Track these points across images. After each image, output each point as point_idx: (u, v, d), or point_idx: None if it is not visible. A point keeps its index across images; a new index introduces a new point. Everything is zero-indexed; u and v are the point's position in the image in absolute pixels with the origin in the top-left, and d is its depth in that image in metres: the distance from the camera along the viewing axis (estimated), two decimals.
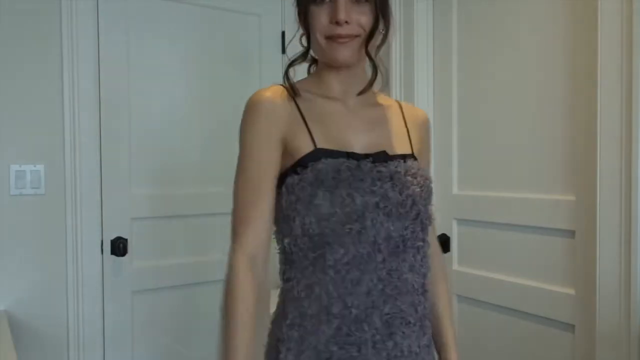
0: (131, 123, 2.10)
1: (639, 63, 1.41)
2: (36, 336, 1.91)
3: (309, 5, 0.98)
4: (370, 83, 1.03)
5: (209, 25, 2.28)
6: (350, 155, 0.97)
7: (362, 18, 0.97)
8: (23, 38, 1.89)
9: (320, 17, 0.97)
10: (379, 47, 1.02)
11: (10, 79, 1.87)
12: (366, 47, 0.99)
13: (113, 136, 2.06)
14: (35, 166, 1.91)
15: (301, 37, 1.03)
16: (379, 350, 0.95)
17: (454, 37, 2.04)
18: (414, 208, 0.97)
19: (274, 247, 1.02)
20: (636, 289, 1.43)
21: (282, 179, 0.98)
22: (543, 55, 1.73)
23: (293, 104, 1.01)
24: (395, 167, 0.98)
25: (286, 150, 0.99)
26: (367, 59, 1.01)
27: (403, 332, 0.96)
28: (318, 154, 0.96)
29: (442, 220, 2.01)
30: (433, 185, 1.06)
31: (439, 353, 1.13)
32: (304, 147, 0.97)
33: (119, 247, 2.04)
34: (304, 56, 1.04)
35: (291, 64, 1.04)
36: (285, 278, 1.00)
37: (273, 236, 1.02)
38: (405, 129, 1.09)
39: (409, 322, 0.97)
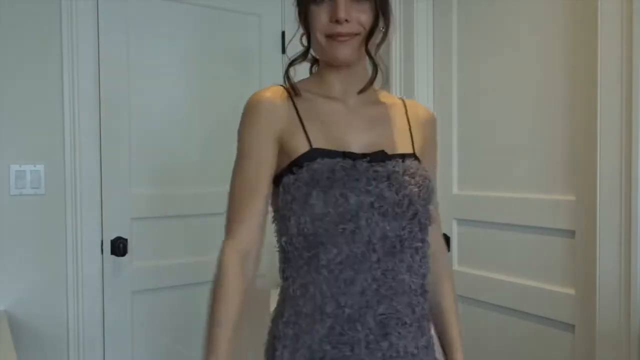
0: (131, 123, 2.10)
1: (639, 63, 1.41)
2: (36, 336, 1.91)
3: (309, 4, 0.98)
4: (371, 81, 1.03)
5: (209, 25, 2.28)
6: (347, 155, 0.97)
7: (362, 16, 0.97)
8: (23, 38, 1.89)
9: (320, 16, 0.97)
10: (378, 46, 1.02)
11: (10, 79, 1.87)
12: (366, 45, 0.99)
13: (113, 136, 2.06)
14: (35, 166, 1.91)
15: (301, 36, 1.04)
16: (373, 350, 0.94)
17: (454, 37, 2.05)
18: (411, 208, 0.97)
19: (274, 246, 1.03)
20: (636, 289, 1.43)
21: (279, 178, 0.99)
22: (543, 55, 1.73)
23: (291, 104, 1.02)
24: (393, 167, 0.98)
25: (283, 150, 1.00)
26: (367, 57, 1.01)
27: (399, 333, 0.96)
28: (314, 154, 0.96)
29: (442, 220, 2.00)
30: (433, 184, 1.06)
31: (445, 353, 1.12)
32: (301, 147, 0.98)
33: (119, 247, 2.04)
34: (304, 55, 1.05)
35: (291, 63, 1.04)
36: (284, 277, 1.01)
37: (275, 235, 1.03)
38: (407, 128, 1.08)
39: (405, 323, 0.97)
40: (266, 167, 1.00)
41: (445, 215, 2.03)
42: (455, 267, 2.01)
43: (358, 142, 1.00)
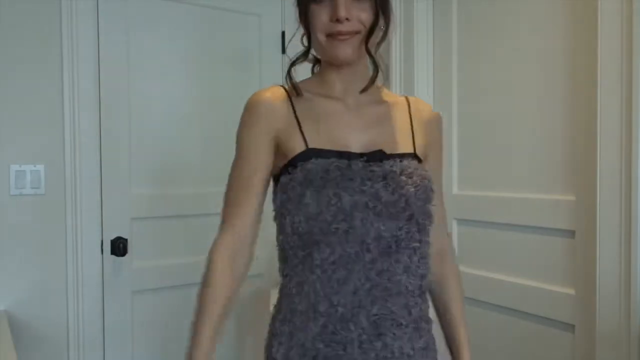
0: (131, 123, 2.10)
1: (639, 63, 1.41)
2: (36, 336, 1.91)
3: (309, 3, 0.98)
4: (372, 80, 1.03)
5: (209, 25, 2.28)
6: (343, 155, 0.97)
7: (363, 14, 0.97)
8: (23, 38, 1.89)
9: (321, 15, 0.97)
10: (379, 44, 1.02)
11: (11, 79, 1.87)
12: (366, 43, 0.98)
13: (113, 136, 2.06)
14: (35, 166, 1.91)
15: (302, 36, 1.04)
16: (366, 350, 0.94)
17: (454, 37, 2.05)
18: (408, 208, 0.96)
19: (275, 245, 1.04)
20: (636, 289, 1.43)
21: (278, 178, 1.01)
22: (543, 55, 1.73)
23: (290, 104, 1.03)
24: (390, 167, 0.97)
25: (281, 150, 1.01)
26: (367, 56, 1.01)
27: (394, 334, 0.95)
28: (309, 153, 0.97)
29: None
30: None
31: (451, 353, 1.12)
32: (297, 147, 0.99)
33: (119, 247, 2.04)
34: (305, 55, 1.05)
35: (293, 63, 1.04)
36: (283, 275, 1.03)
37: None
38: (409, 127, 1.07)
39: (401, 324, 0.96)
40: (261, 166, 1.02)
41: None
42: None
43: (356, 141, 1.00)
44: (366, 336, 0.94)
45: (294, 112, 1.02)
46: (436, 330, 1.08)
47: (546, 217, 1.71)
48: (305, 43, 1.04)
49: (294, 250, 0.98)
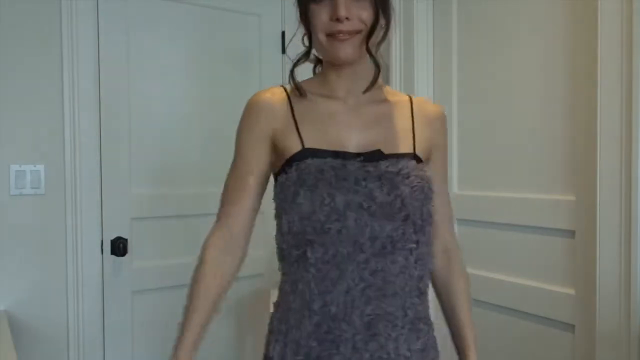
0: (131, 123, 2.10)
1: (639, 63, 1.41)
2: (36, 336, 1.91)
3: (309, 3, 0.98)
4: (374, 80, 1.02)
5: (209, 25, 2.28)
6: (339, 155, 0.97)
7: (363, 13, 0.96)
8: (23, 38, 1.89)
9: (321, 14, 0.97)
10: (379, 44, 1.02)
11: (10, 79, 1.87)
12: (367, 43, 0.98)
13: (113, 136, 2.06)
14: (35, 166, 1.91)
15: (303, 36, 1.04)
16: (360, 350, 0.94)
17: (454, 37, 2.05)
18: (404, 209, 0.95)
19: (274, 245, 1.04)
20: (636, 289, 1.43)
21: (277, 177, 1.02)
22: (543, 55, 1.73)
23: (289, 104, 1.03)
24: (387, 167, 0.97)
25: (279, 150, 1.02)
26: (368, 55, 1.00)
27: (389, 334, 0.95)
28: (305, 153, 0.98)
29: None
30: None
31: (458, 353, 1.11)
32: (294, 147, 0.99)
33: (119, 247, 2.04)
34: (306, 56, 1.05)
35: (296, 63, 1.04)
36: (282, 273, 1.03)
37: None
38: (410, 127, 1.06)
39: (397, 325, 0.96)
40: (257, 166, 1.04)
41: None
42: None
43: (355, 141, 1.00)
44: (360, 336, 0.94)
45: (292, 112, 1.03)
46: (437, 331, 1.07)
47: (546, 217, 1.71)
48: (307, 43, 1.04)
49: (290, 249, 0.98)
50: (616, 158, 1.46)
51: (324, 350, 0.95)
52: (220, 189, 1.09)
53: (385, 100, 1.08)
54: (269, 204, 1.06)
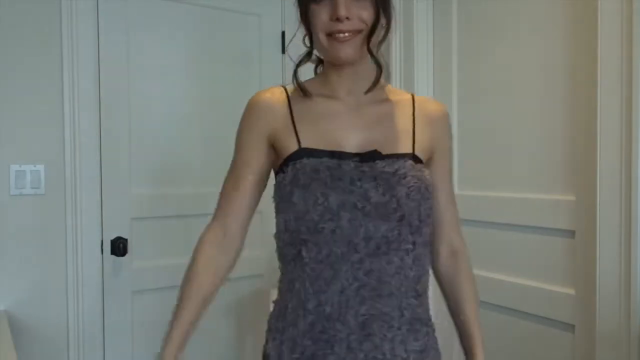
0: (131, 123, 2.10)
1: (639, 63, 1.41)
2: (36, 336, 1.91)
3: (309, 3, 0.97)
4: (377, 80, 1.02)
5: (209, 25, 2.28)
6: (335, 155, 0.97)
7: (364, 13, 0.96)
8: (23, 38, 1.89)
9: (321, 14, 0.97)
10: (380, 43, 1.01)
11: (10, 79, 1.87)
12: (368, 43, 0.98)
13: (113, 136, 2.06)
14: (35, 166, 1.91)
15: (304, 37, 1.03)
16: (354, 350, 0.94)
17: (454, 37, 2.05)
18: (399, 209, 0.94)
19: (274, 244, 1.04)
20: (636, 289, 1.43)
21: (276, 177, 1.03)
22: (543, 55, 1.73)
23: (288, 105, 1.04)
24: (383, 167, 0.96)
25: (277, 150, 1.03)
26: (369, 55, 1.00)
27: (384, 335, 0.95)
28: (301, 153, 0.98)
29: None
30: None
31: (465, 353, 1.11)
32: (291, 146, 1.00)
33: (119, 247, 2.04)
34: (308, 56, 1.05)
35: (299, 64, 1.04)
36: (281, 271, 1.04)
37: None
38: (411, 127, 1.05)
39: (392, 326, 0.95)
40: (254, 166, 1.05)
41: None
42: None
43: (353, 142, 1.00)
44: (354, 336, 0.94)
45: (291, 112, 1.03)
46: (438, 332, 1.07)
47: (546, 217, 1.71)
48: (308, 44, 1.03)
49: (287, 248, 0.99)
50: (616, 158, 1.46)
51: (318, 349, 0.95)
52: (220, 189, 1.09)
53: (386, 100, 1.07)
54: (268, 203, 1.06)
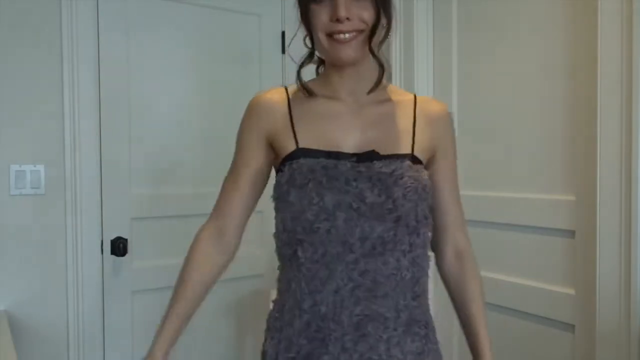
0: (131, 123, 2.10)
1: (639, 63, 1.41)
2: (36, 336, 1.91)
3: (309, 4, 0.97)
4: (379, 80, 1.02)
5: (209, 25, 2.28)
6: (332, 155, 0.97)
7: (364, 13, 0.95)
8: (23, 38, 1.89)
9: (321, 15, 0.96)
10: (381, 43, 1.01)
11: (10, 79, 1.87)
12: (369, 43, 0.97)
13: (113, 136, 2.06)
14: (35, 166, 1.91)
15: (305, 37, 1.03)
16: (349, 350, 0.94)
17: (454, 37, 2.05)
18: (395, 210, 0.94)
19: (274, 245, 1.04)
20: (636, 289, 1.43)
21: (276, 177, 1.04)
22: (543, 55, 1.73)
23: (287, 105, 1.04)
24: (380, 168, 0.96)
25: (276, 151, 1.04)
26: (371, 55, 0.99)
27: (380, 336, 0.95)
28: (298, 153, 0.98)
29: None
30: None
31: (472, 355, 1.10)
32: (289, 147, 1.00)
33: (119, 247, 2.04)
34: (310, 57, 1.05)
35: (301, 65, 1.04)
36: (279, 271, 1.05)
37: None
38: (411, 127, 1.04)
39: (388, 327, 0.95)
40: (255, 165, 1.05)
41: None
42: None
43: (351, 142, 1.00)
44: (349, 336, 0.94)
45: (290, 113, 1.03)
46: (438, 332, 1.07)
47: (546, 217, 1.71)
48: (308, 44, 1.03)
49: (285, 248, 1.00)
50: (616, 158, 1.46)
51: (313, 348, 0.96)
52: (219, 189, 1.10)
53: (388, 100, 1.06)
54: (268, 203, 1.06)
